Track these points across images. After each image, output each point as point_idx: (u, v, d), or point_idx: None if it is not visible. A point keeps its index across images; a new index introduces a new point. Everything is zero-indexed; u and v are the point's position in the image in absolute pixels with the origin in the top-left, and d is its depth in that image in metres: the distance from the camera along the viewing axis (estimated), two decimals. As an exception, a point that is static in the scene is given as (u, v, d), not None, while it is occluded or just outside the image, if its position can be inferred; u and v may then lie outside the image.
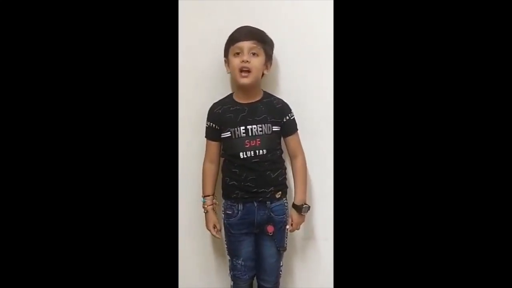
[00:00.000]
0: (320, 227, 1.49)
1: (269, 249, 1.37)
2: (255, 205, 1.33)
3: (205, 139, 1.39)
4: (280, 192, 1.36)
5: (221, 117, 1.34)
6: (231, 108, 1.33)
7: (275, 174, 1.34)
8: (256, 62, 1.29)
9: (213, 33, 1.41)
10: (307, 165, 1.39)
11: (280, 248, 1.38)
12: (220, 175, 1.41)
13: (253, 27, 1.32)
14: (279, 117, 1.34)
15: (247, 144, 1.31)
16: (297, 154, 1.38)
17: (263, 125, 1.31)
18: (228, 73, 1.37)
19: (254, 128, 1.31)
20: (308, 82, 1.42)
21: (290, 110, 1.36)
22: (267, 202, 1.34)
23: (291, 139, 1.37)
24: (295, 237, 1.50)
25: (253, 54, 1.29)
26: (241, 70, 1.28)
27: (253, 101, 1.34)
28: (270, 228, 1.34)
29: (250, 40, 1.29)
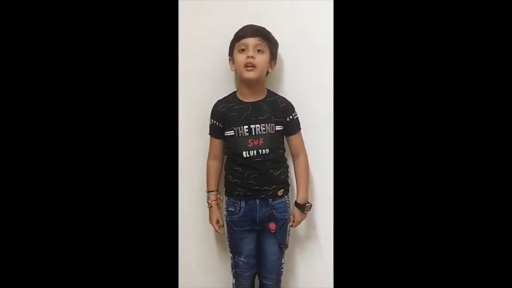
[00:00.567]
0: (320, 225, 1.50)
1: (271, 247, 1.38)
2: (257, 202, 1.34)
3: (209, 136, 1.40)
4: (282, 190, 1.37)
5: (225, 116, 1.34)
6: (235, 107, 1.34)
7: (278, 173, 1.35)
8: (261, 59, 1.30)
9: (213, 32, 1.42)
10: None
11: (282, 245, 1.39)
12: (223, 172, 1.41)
13: (259, 26, 1.33)
14: (282, 116, 1.35)
15: (250, 144, 1.31)
16: (300, 153, 1.39)
17: (266, 124, 1.32)
18: (232, 70, 1.38)
19: (258, 127, 1.32)
20: (308, 81, 1.43)
21: (294, 109, 1.37)
22: (269, 200, 1.35)
23: (294, 138, 1.38)
24: (296, 235, 1.51)
25: (258, 50, 1.30)
26: (246, 66, 1.29)
27: (257, 100, 1.34)
28: (272, 226, 1.35)
29: (255, 37, 1.30)
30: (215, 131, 1.38)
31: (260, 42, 1.30)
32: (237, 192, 1.35)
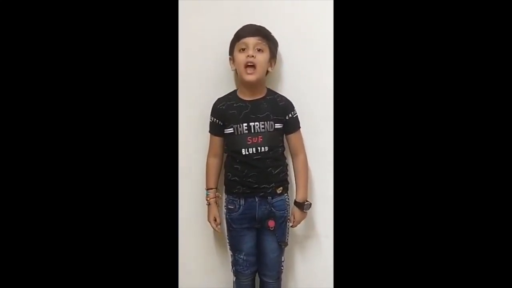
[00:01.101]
0: (320, 224, 1.50)
1: (270, 244, 1.39)
2: (257, 200, 1.35)
3: (209, 134, 1.41)
4: (281, 188, 1.37)
5: (224, 113, 1.35)
6: (235, 105, 1.35)
7: (277, 171, 1.35)
8: (261, 58, 1.31)
9: (213, 32, 1.43)
10: (308, 162, 1.41)
11: (282, 242, 1.39)
12: (223, 170, 1.42)
13: (258, 25, 1.34)
14: (282, 114, 1.35)
15: (249, 141, 1.32)
16: (299, 152, 1.40)
17: (265, 122, 1.33)
18: (232, 70, 1.39)
19: (257, 125, 1.32)
20: (308, 81, 1.43)
21: (293, 108, 1.37)
22: (269, 197, 1.35)
23: (293, 136, 1.39)
24: (296, 234, 1.51)
25: (258, 50, 1.31)
26: (246, 66, 1.30)
27: (257, 98, 1.35)
28: (271, 223, 1.35)
29: (255, 36, 1.31)
30: (215, 129, 1.39)
31: (260, 42, 1.31)
32: (236, 190, 1.36)
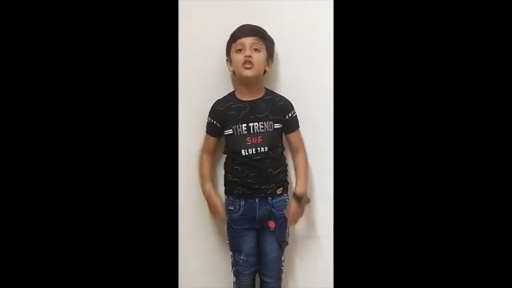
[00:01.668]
0: (320, 224, 1.50)
1: (270, 244, 1.39)
2: (257, 201, 1.35)
3: (205, 134, 1.41)
4: (281, 188, 1.37)
5: (223, 115, 1.35)
6: (233, 106, 1.35)
7: (276, 171, 1.35)
8: (258, 57, 1.31)
9: (213, 32, 1.43)
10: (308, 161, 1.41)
11: (282, 242, 1.39)
12: (222, 171, 1.42)
13: (254, 25, 1.34)
14: (281, 114, 1.35)
15: (248, 142, 1.32)
16: (299, 149, 1.40)
17: (264, 122, 1.33)
18: (230, 71, 1.39)
19: (256, 125, 1.32)
20: (308, 81, 1.43)
21: (292, 107, 1.38)
22: (269, 198, 1.35)
23: (293, 136, 1.39)
24: (296, 234, 1.51)
25: (255, 49, 1.31)
26: (244, 64, 1.30)
27: (255, 98, 1.35)
28: (271, 224, 1.35)
29: (251, 36, 1.31)
30: (212, 130, 1.39)
31: (256, 41, 1.31)
32: (236, 191, 1.36)
